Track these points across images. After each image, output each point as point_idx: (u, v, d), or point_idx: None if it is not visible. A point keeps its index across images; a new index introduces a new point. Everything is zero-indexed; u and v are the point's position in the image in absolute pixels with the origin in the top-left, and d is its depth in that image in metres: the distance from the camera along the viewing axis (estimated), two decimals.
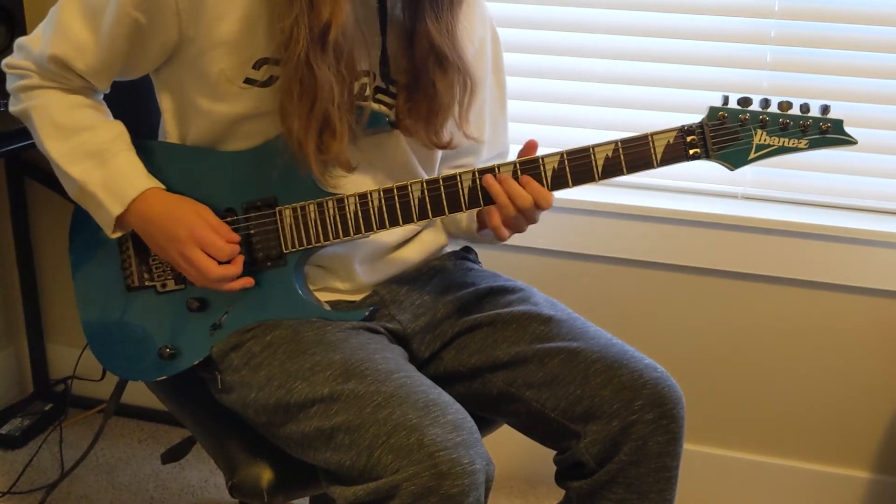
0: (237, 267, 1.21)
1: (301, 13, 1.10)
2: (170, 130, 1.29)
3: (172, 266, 1.25)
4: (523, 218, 1.19)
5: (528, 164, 1.17)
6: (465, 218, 1.34)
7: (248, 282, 1.22)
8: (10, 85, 1.27)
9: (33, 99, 1.25)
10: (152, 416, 2.18)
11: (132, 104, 1.34)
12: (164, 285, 1.28)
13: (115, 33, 1.17)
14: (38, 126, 1.24)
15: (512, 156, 1.23)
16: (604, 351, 1.21)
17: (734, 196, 1.84)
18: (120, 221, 1.23)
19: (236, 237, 1.22)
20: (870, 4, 1.66)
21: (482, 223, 1.30)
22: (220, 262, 1.20)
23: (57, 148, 1.23)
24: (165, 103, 1.28)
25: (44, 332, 2.22)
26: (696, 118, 1.16)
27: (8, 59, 1.27)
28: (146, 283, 1.29)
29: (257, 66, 1.17)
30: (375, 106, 1.24)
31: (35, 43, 1.23)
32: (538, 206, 1.17)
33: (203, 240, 1.19)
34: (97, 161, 1.22)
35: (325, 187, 1.21)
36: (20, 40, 1.26)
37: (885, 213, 1.78)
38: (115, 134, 1.25)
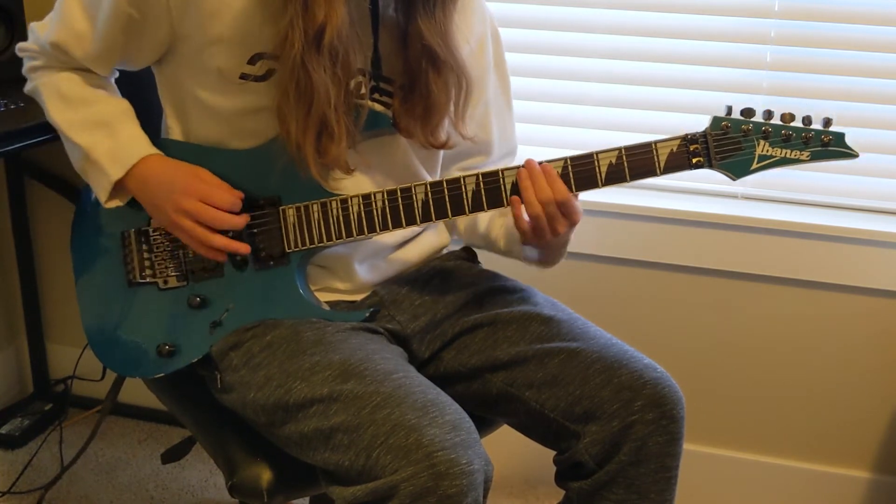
0: (243, 219, 1.21)
1: (296, 15, 1.10)
2: (172, 126, 1.30)
3: (168, 229, 1.25)
4: (545, 220, 1.18)
5: None
6: (504, 239, 1.33)
7: (244, 247, 1.22)
8: (24, 67, 1.33)
9: (41, 77, 1.30)
10: (152, 416, 2.18)
11: (134, 103, 1.34)
12: (165, 282, 1.28)
13: (110, 26, 1.20)
14: (47, 100, 1.28)
15: (520, 155, 1.23)
16: (603, 351, 1.21)
17: (734, 196, 1.84)
18: (118, 187, 1.24)
19: (239, 193, 1.22)
20: (870, 4, 1.66)
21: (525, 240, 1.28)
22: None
23: (64, 117, 1.27)
24: (167, 99, 1.29)
25: (44, 332, 2.22)
26: (695, 118, 1.17)
27: (21, 43, 1.33)
28: (148, 280, 1.29)
29: (252, 61, 1.18)
30: (372, 104, 1.24)
31: (42, 29, 1.29)
32: (558, 202, 1.16)
33: (199, 189, 1.20)
34: (105, 131, 1.25)
35: (328, 187, 1.22)
36: (32, 25, 1.32)
37: (885, 213, 1.78)
38: (122, 108, 1.28)
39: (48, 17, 1.29)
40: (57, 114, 1.27)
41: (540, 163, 1.18)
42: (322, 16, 1.10)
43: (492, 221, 1.36)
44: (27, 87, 1.33)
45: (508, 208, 1.20)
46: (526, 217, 1.19)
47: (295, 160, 1.17)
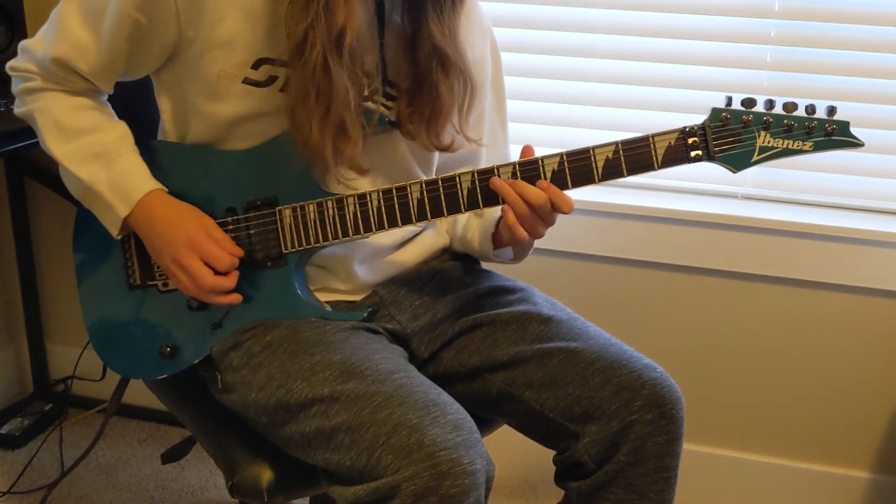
0: (232, 280, 1.20)
1: (317, 17, 1.10)
2: (169, 131, 1.29)
3: (165, 272, 1.25)
4: (539, 218, 1.17)
5: (528, 166, 1.17)
6: (478, 239, 1.33)
7: (236, 298, 1.21)
8: (15, 88, 1.29)
9: (37, 101, 1.26)
10: (152, 416, 2.18)
11: (132, 105, 1.34)
12: (165, 284, 1.28)
13: (115, 34, 1.18)
14: (42, 128, 1.25)
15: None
16: (603, 351, 1.21)
17: (734, 196, 1.84)
18: (125, 222, 1.23)
19: (239, 251, 1.21)
20: (870, 4, 1.66)
21: (497, 243, 1.29)
22: (216, 273, 1.20)
23: (61, 149, 1.24)
24: (165, 104, 1.28)
25: (44, 332, 2.22)
26: (696, 118, 1.16)
27: (12, 62, 1.28)
28: (147, 282, 1.29)
29: (256, 66, 1.17)
30: (376, 106, 1.24)
31: (38, 45, 1.24)
32: (556, 209, 1.16)
33: (201, 247, 1.19)
34: (103, 162, 1.22)
35: (325, 187, 1.22)
36: (23, 43, 1.27)
37: (885, 213, 1.78)
38: (119, 135, 1.25)
39: (41, 33, 1.25)
40: (54, 145, 1.24)
41: (516, 166, 1.17)
42: (343, 17, 1.10)
43: (468, 223, 1.36)
44: (19, 110, 1.29)
45: (482, 210, 1.20)
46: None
47: (312, 163, 1.17)
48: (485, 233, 1.30)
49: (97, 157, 1.23)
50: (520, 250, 1.30)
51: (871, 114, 1.72)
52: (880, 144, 1.73)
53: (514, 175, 1.17)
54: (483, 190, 1.18)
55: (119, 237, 1.25)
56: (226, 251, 1.20)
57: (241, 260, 1.23)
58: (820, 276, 1.77)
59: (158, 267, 1.28)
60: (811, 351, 1.84)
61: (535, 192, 1.15)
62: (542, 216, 1.17)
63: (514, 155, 1.21)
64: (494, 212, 1.26)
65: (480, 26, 1.35)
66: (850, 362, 1.83)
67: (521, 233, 1.17)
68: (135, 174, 1.23)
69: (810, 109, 1.12)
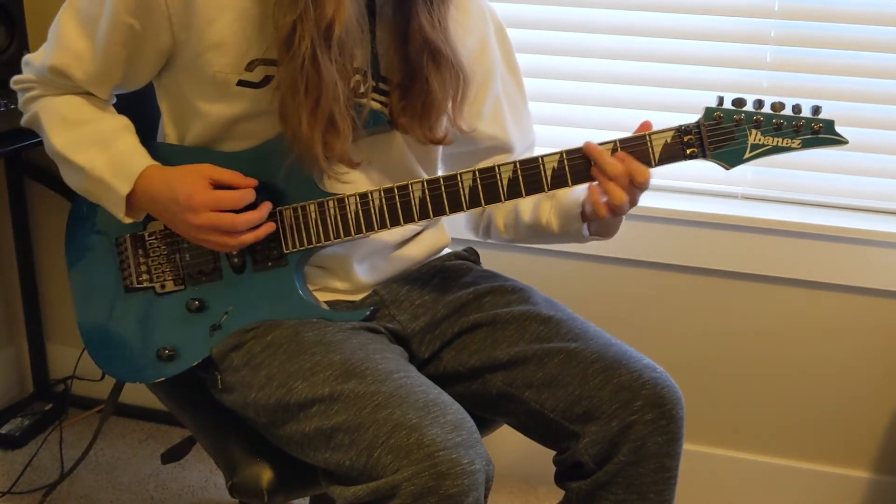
0: (262, 211, 1.18)
1: (306, 9, 1.10)
2: (168, 132, 1.29)
3: (196, 245, 1.23)
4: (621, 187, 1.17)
5: (528, 164, 1.17)
6: (557, 222, 1.30)
7: (270, 227, 1.19)
8: (20, 101, 1.30)
9: (40, 104, 1.27)
10: (152, 416, 2.18)
11: (132, 108, 1.34)
12: (163, 286, 1.28)
13: (110, 40, 1.18)
14: (46, 123, 1.26)
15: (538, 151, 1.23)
16: (603, 351, 1.21)
17: (734, 196, 1.84)
18: (130, 203, 1.22)
19: (251, 181, 1.19)
20: (870, 4, 1.66)
21: (586, 217, 1.26)
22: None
23: (63, 140, 1.24)
24: (165, 106, 1.29)
25: (44, 332, 2.22)
26: (694, 119, 1.17)
27: (15, 77, 1.29)
28: (145, 284, 1.29)
29: (250, 67, 1.17)
30: (370, 103, 1.24)
31: (38, 58, 1.26)
32: (634, 183, 1.16)
33: (209, 201, 1.16)
34: (101, 147, 1.23)
35: (324, 187, 1.22)
36: (25, 57, 1.29)
37: (885, 213, 1.78)
38: (119, 124, 1.26)
39: (42, 47, 1.26)
40: (56, 136, 1.24)
41: (517, 164, 1.17)
42: (331, 10, 1.10)
43: (537, 209, 1.33)
44: (25, 119, 1.29)
45: (550, 192, 1.19)
46: (603, 199, 1.18)
47: (302, 157, 1.17)
48: (566, 214, 1.28)
49: (96, 142, 1.23)
50: (612, 224, 1.28)
51: (870, 114, 1.72)
52: (880, 144, 1.73)
53: (514, 172, 1.18)
54: (484, 188, 1.18)
55: (127, 221, 1.23)
56: (232, 189, 1.18)
57: (242, 262, 1.23)
58: (820, 276, 1.77)
59: (156, 268, 1.28)
60: (811, 351, 1.84)
61: (613, 164, 1.15)
62: (624, 187, 1.16)
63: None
64: (568, 193, 1.26)
65: (479, 13, 1.34)
66: (850, 362, 1.83)
67: (603, 211, 1.18)
68: (133, 153, 1.23)
69: (797, 109, 1.15)
